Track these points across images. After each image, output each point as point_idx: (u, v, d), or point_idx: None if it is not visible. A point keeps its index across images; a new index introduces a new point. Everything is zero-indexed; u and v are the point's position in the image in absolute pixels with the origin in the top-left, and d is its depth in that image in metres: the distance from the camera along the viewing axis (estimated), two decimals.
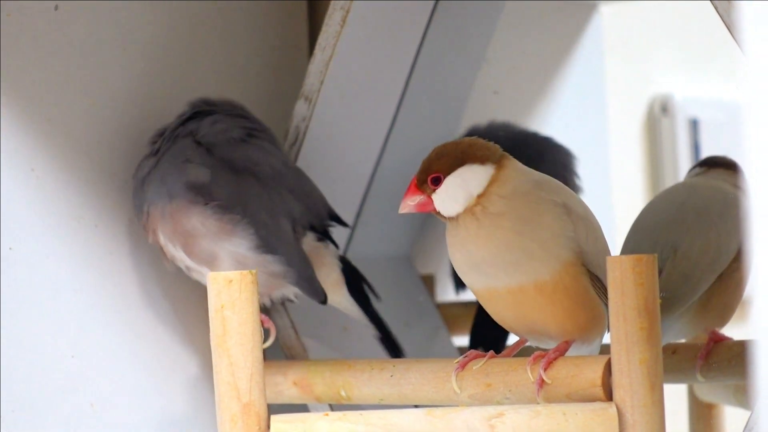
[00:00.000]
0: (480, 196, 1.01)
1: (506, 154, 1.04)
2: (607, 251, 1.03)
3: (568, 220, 1.00)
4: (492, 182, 1.01)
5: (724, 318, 1.16)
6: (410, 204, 1.04)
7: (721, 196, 1.16)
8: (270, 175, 1.16)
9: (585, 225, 1.01)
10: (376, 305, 1.20)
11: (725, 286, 1.14)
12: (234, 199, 1.14)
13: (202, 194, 1.14)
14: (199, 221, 1.13)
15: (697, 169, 1.23)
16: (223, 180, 1.15)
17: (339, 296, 1.19)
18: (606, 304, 1.00)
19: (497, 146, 1.04)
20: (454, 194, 1.02)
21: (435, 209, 1.03)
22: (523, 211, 1.00)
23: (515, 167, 1.03)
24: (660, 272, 1.10)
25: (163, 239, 1.16)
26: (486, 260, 1.00)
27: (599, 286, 1.01)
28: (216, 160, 1.16)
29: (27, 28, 1.18)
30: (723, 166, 1.21)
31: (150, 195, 1.16)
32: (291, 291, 1.18)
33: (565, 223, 1.00)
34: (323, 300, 1.17)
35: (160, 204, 1.15)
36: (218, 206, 1.13)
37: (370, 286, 1.20)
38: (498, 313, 1.03)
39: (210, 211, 1.14)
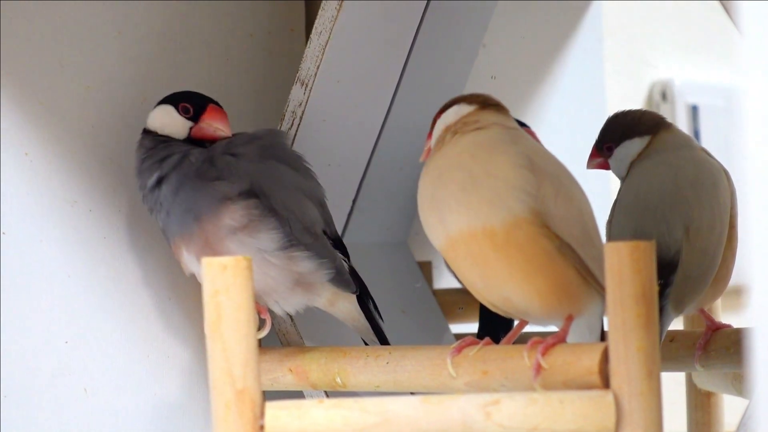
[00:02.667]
0: (452, 126, 1.06)
1: (500, 107, 1.07)
2: (584, 221, 1.03)
3: (530, 175, 1.00)
4: (466, 115, 1.06)
5: (721, 290, 1.16)
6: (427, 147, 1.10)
7: (704, 166, 1.15)
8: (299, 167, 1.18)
9: (554, 186, 1.01)
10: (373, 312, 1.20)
11: (722, 257, 1.14)
12: (259, 189, 1.14)
13: (230, 198, 1.13)
14: (229, 217, 1.13)
15: (637, 141, 1.20)
16: (247, 171, 1.15)
17: (348, 302, 1.18)
18: (586, 277, 1.01)
19: (496, 100, 1.08)
20: (439, 127, 1.07)
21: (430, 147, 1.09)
22: (483, 144, 1.02)
23: (496, 114, 1.06)
24: (677, 254, 1.10)
25: (186, 257, 1.15)
26: (441, 181, 1.02)
27: (572, 254, 1.01)
28: (241, 155, 1.16)
29: (22, 11, 1.17)
30: (662, 128, 1.20)
31: (177, 225, 1.14)
32: (310, 296, 1.17)
33: (524, 175, 1.00)
34: (356, 290, 1.17)
35: (187, 230, 1.14)
36: (244, 197, 1.13)
37: (374, 303, 1.19)
38: (465, 276, 1.03)
39: (238, 206, 1.13)
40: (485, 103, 1.07)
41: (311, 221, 1.16)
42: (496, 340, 1.04)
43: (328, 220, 1.19)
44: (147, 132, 1.20)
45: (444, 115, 1.08)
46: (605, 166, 1.23)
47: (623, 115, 1.23)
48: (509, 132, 1.05)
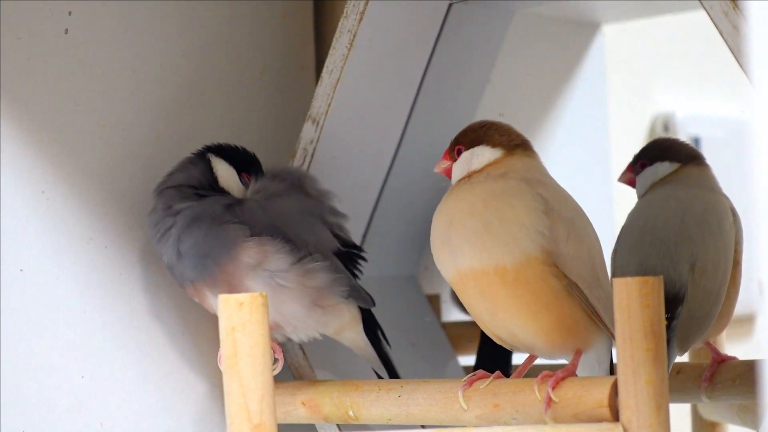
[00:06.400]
0: (476, 172, 1.07)
1: (526, 146, 1.09)
2: (593, 263, 1.04)
3: (544, 216, 1.02)
4: (492, 164, 1.07)
5: (724, 325, 1.17)
6: (441, 167, 1.11)
7: (714, 206, 1.17)
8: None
9: (566, 227, 1.03)
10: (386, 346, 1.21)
11: (726, 294, 1.15)
12: (270, 224, 1.15)
13: (242, 240, 1.15)
14: (246, 255, 1.14)
15: (667, 165, 1.23)
16: (258, 212, 1.16)
17: (354, 332, 1.20)
18: (592, 317, 1.02)
19: (520, 137, 1.10)
20: (462, 167, 1.09)
21: (450, 177, 1.10)
22: (498, 193, 1.03)
23: (523, 160, 1.07)
24: (681, 290, 1.11)
25: (212, 300, 1.16)
26: (454, 227, 1.03)
27: (579, 294, 1.02)
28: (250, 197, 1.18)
29: (37, 51, 1.19)
30: (693, 161, 1.22)
31: (192, 269, 1.15)
32: (327, 318, 1.19)
33: (538, 218, 1.02)
34: (373, 303, 1.18)
35: (210, 275, 1.15)
36: (257, 233, 1.15)
37: (382, 331, 1.20)
38: (472, 308, 1.04)
39: (251, 243, 1.14)
40: (511, 146, 1.08)
41: (325, 245, 1.17)
42: (500, 372, 1.05)
43: (342, 226, 1.21)
44: (208, 164, 1.21)
45: (469, 155, 1.09)
46: (632, 184, 1.25)
47: (665, 140, 1.26)
48: (526, 177, 1.05)
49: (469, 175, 1.07)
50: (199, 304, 1.20)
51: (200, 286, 1.16)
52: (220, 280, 1.14)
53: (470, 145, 1.09)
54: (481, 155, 1.08)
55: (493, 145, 1.08)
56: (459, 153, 1.10)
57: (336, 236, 1.19)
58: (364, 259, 1.21)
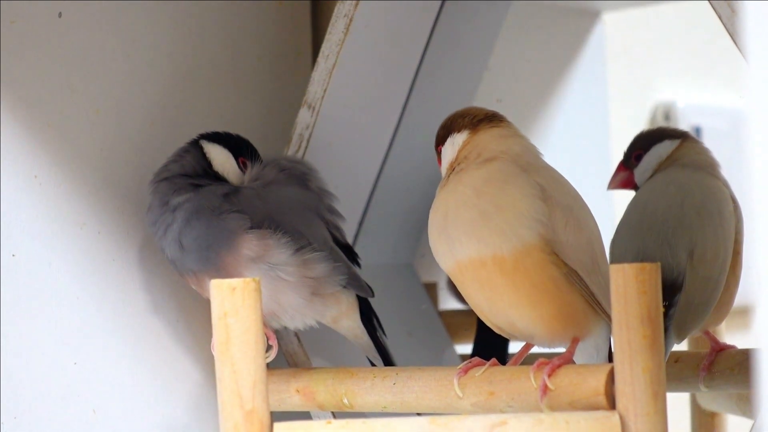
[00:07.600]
0: (454, 161, 1.07)
1: (492, 119, 1.08)
2: (593, 249, 1.03)
3: (541, 203, 1.01)
4: (462, 147, 1.07)
5: (723, 315, 1.16)
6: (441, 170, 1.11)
7: (714, 193, 1.16)
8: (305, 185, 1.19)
9: (564, 214, 1.02)
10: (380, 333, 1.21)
11: (726, 283, 1.14)
12: (267, 214, 1.15)
13: (244, 229, 1.14)
14: (246, 248, 1.13)
15: (668, 143, 1.22)
16: (255, 201, 1.16)
17: (351, 321, 1.19)
18: (592, 304, 1.02)
19: (483, 112, 1.09)
20: (444, 162, 1.09)
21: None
22: (488, 180, 1.03)
23: (489, 132, 1.06)
24: (680, 277, 1.10)
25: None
26: (450, 219, 1.02)
27: (579, 282, 1.01)
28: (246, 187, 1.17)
29: (31, 35, 1.18)
30: (691, 138, 1.22)
31: (195, 261, 1.15)
32: (325, 308, 1.18)
33: (535, 205, 1.01)
34: (372, 293, 1.18)
35: (212, 266, 1.14)
36: (257, 227, 1.14)
37: (378, 319, 1.20)
38: (471, 298, 1.04)
39: (252, 235, 1.14)
40: (475, 124, 1.08)
41: (322, 239, 1.17)
42: (496, 360, 1.05)
43: (338, 226, 1.20)
44: (201, 151, 1.20)
45: (443, 150, 1.09)
46: (629, 183, 1.24)
47: (651, 128, 1.26)
48: (517, 160, 1.05)
49: (451, 167, 1.07)
50: (194, 291, 1.20)
51: (203, 276, 1.15)
52: (222, 271, 1.13)
53: (444, 141, 1.10)
54: (453, 144, 1.08)
55: (459, 130, 1.08)
56: (440, 153, 1.10)
57: (330, 235, 1.19)
58: (357, 263, 1.20)
